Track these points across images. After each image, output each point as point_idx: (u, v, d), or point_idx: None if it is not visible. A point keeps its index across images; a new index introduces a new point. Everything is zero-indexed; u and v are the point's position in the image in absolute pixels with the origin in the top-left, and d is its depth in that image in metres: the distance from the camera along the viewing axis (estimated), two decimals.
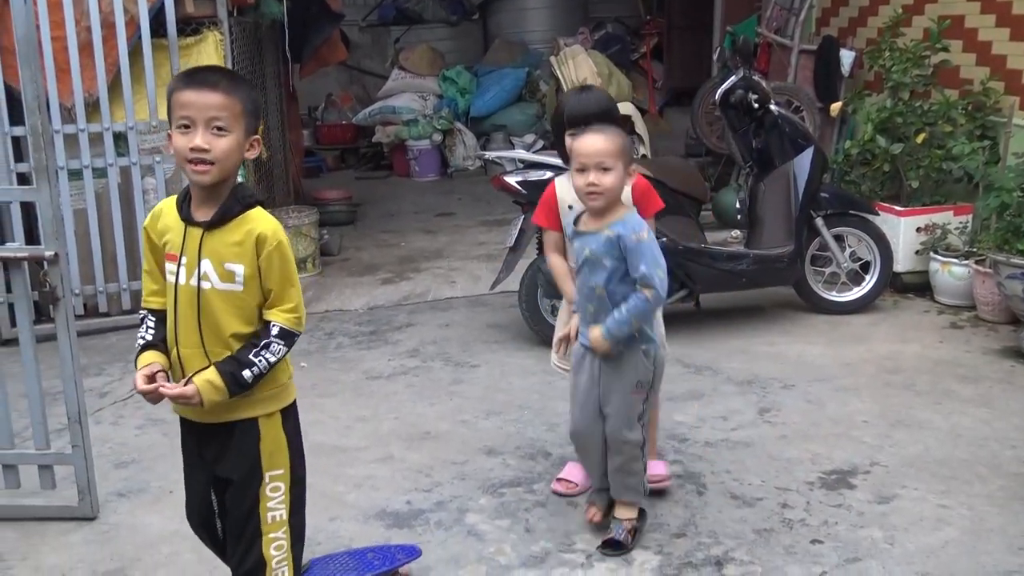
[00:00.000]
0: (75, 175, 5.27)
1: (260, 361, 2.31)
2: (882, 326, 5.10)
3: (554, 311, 4.97)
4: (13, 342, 4.12)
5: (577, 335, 3.07)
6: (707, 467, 3.58)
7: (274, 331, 2.34)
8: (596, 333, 2.90)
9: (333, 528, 3.24)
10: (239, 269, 2.30)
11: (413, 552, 2.98)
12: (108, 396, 4.49)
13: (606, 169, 2.82)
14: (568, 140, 3.11)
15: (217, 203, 2.30)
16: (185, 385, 2.27)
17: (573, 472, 3.44)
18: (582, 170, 2.85)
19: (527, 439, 3.89)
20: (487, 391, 4.41)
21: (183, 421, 2.47)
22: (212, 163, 2.23)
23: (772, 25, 7.72)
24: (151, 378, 2.30)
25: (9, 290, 4.82)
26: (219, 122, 2.23)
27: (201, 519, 2.54)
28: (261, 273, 2.31)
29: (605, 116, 3.11)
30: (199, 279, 2.30)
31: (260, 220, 2.33)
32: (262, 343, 2.33)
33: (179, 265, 2.31)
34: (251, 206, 2.34)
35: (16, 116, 4.73)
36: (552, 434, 3.92)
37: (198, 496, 2.51)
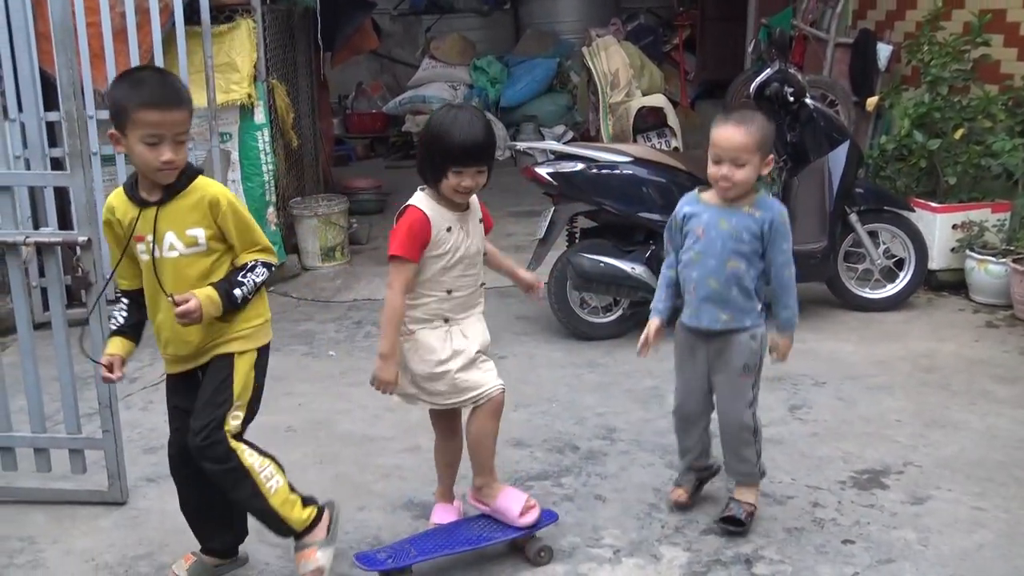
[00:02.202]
0: (108, 160, 5.30)
1: (248, 281, 2.62)
2: (916, 324, 5.03)
3: (583, 304, 4.95)
4: (45, 326, 4.14)
5: (658, 329, 3.11)
6: None
7: (251, 262, 2.66)
8: (785, 343, 3.04)
9: (361, 518, 3.24)
10: (200, 233, 2.60)
11: (551, 516, 3.04)
12: (138, 382, 4.51)
13: (741, 164, 2.81)
14: (453, 177, 2.72)
15: (160, 185, 2.59)
16: (188, 301, 2.52)
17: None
18: (717, 161, 2.84)
19: (555, 432, 3.87)
20: (515, 383, 4.38)
21: (171, 381, 2.81)
22: (176, 168, 2.55)
23: (808, 17, 7.62)
24: (110, 368, 2.66)
25: (42, 274, 4.88)
26: (181, 136, 2.53)
27: (179, 450, 2.79)
28: (223, 233, 2.62)
29: (491, 147, 2.77)
30: (166, 250, 2.59)
31: (207, 186, 2.62)
32: (247, 267, 2.65)
33: (149, 243, 2.59)
34: (194, 177, 2.62)
35: (49, 101, 4.76)
36: (580, 427, 3.90)
37: (179, 431, 2.77)
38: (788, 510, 3.21)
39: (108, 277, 2.78)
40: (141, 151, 2.50)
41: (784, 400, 4.10)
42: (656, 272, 4.74)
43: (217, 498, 2.79)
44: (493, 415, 2.89)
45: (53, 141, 5.06)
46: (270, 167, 5.91)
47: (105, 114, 5.19)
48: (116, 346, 2.71)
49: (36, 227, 4.81)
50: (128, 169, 5.32)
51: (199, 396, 2.69)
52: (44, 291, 4.98)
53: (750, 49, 7.41)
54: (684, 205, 3.03)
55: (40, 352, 3.47)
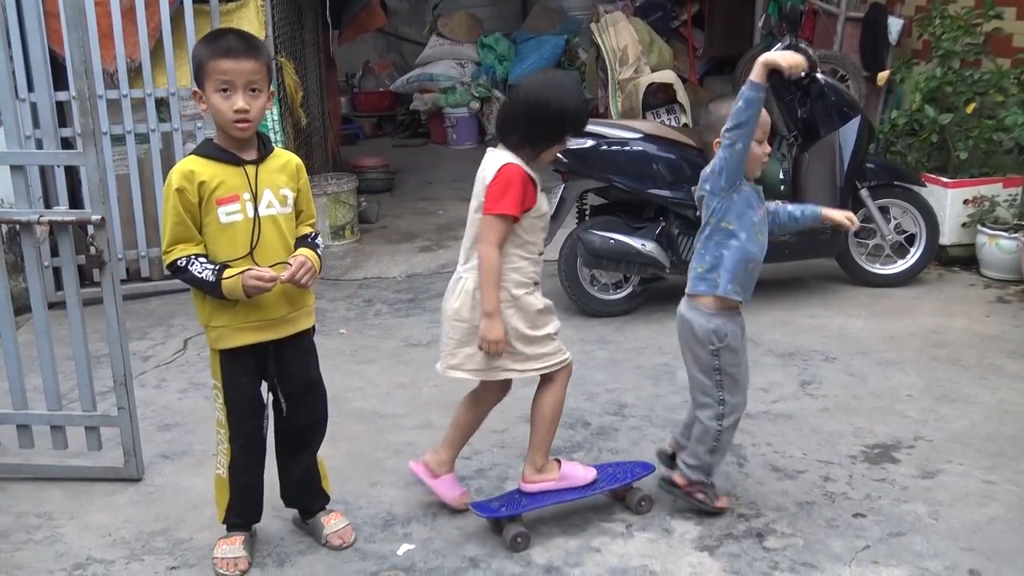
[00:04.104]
0: (117, 140, 5.31)
1: (320, 245, 2.84)
2: (927, 299, 5.02)
3: (593, 281, 4.95)
4: (58, 306, 4.17)
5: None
6: (748, 439, 3.55)
7: (314, 233, 2.86)
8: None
9: (374, 493, 3.27)
10: (290, 194, 2.75)
11: (648, 468, 3.17)
12: (151, 360, 4.54)
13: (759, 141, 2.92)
14: (560, 144, 2.83)
15: (252, 145, 2.71)
16: (295, 263, 2.69)
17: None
18: (760, 140, 2.90)
19: (566, 408, 3.80)
20: None
21: (239, 361, 2.75)
22: (251, 121, 2.61)
23: None
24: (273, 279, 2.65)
25: (54, 254, 4.89)
26: (255, 85, 2.60)
27: (255, 416, 2.84)
28: (300, 196, 2.79)
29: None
30: (264, 208, 2.68)
31: (287, 154, 2.83)
32: (313, 236, 2.83)
33: (246, 201, 2.66)
34: (271, 144, 2.78)
35: (58, 82, 4.76)
36: (591, 403, 3.91)
37: (255, 403, 2.84)
38: (799, 484, 3.23)
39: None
40: (216, 102, 2.57)
41: (795, 376, 4.11)
42: (666, 249, 4.76)
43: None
44: (565, 383, 3.01)
45: (61, 121, 5.07)
46: (279, 145, 5.90)
47: (114, 94, 5.22)
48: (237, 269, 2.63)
49: (48, 207, 4.81)
50: (139, 149, 5.34)
51: (299, 371, 2.85)
52: (57, 271, 5.01)
53: (760, 24, 7.36)
54: (746, 185, 2.93)
55: (54, 331, 3.49)
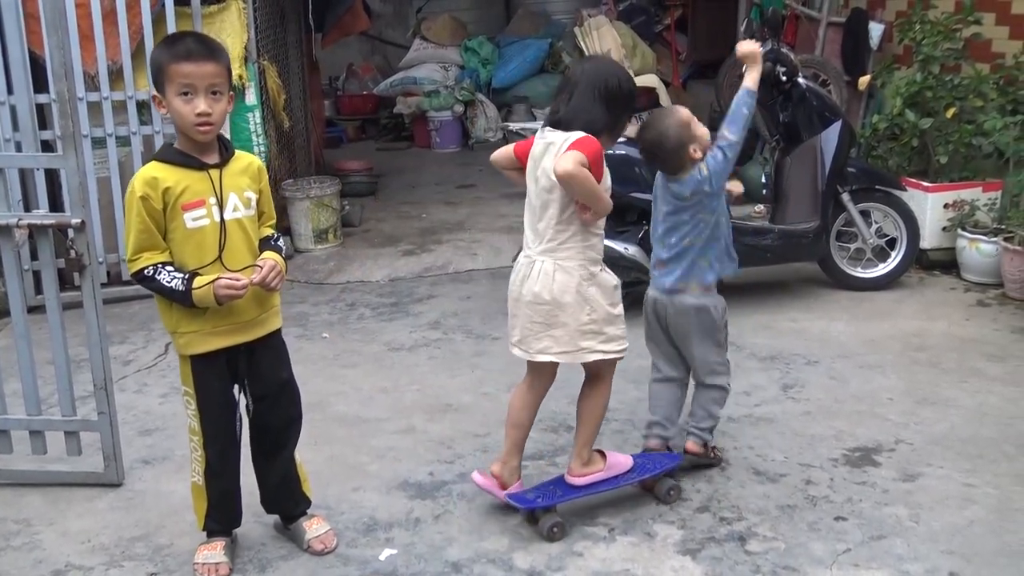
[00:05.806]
0: (98, 143, 5.28)
1: (283, 247, 2.85)
2: (907, 303, 5.05)
3: None
4: (37, 310, 4.14)
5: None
6: (730, 442, 3.56)
7: (276, 234, 2.87)
8: None
9: (356, 498, 3.26)
10: (253, 196, 2.76)
11: (676, 458, 3.26)
12: (132, 364, 4.52)
13: None
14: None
15: (214, 149, 2.70)
16: (264, 266, 2.69)
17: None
18: None
19: (548, 412, 3.87)
20: (509, 364, 4.38)
21: (211, 366, 2.74)
22: (213, 123, 2.61)
23: None
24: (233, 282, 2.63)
25: (34, 258, 4.86)
26: (216, 88, 2.60)
27: (229, 420, 2.83)
28: (261, 197, 2.80)
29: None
30: (230, 211, 2.68)
31: (248, 156, 2.83)
32: (275, 237, 2.85)
33: (211, 205, 2.64)
34: (231, 146, 2.77)
35: (38, 84, 4.73)
36: (573, 407, 3.88)
37: (228, 407, 2.82)
38: (781, 488, 3.24)
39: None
40: (178, 105, 2.56)
41: (777, 379, 4.12)
42: (648, 252, 4.76)
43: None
44: (611, 378, 3.10)
45: (41, 124, 5.03)
46: (261, 149, 5.89)
47: (95, 96, 5.19)
48: (208, 277, 2.62)
49: (27, 210, 4.78)
50: (120, 152, 5.31)
51: (271, 372, 2.84)
52: (36, 275, 4.98)
53: (742, 29, 7.38)
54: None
55: (33, 336, 3.46)
